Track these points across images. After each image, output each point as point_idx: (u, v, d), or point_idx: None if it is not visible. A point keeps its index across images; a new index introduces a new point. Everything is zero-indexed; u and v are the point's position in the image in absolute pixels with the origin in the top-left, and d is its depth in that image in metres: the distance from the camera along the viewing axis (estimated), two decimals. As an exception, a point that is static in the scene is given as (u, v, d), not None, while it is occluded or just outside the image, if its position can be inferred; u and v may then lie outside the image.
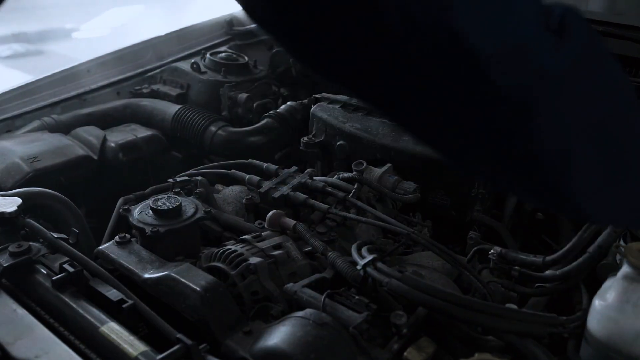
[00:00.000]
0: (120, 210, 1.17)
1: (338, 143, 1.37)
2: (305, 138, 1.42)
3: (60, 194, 1.19)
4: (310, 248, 1.05)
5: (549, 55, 0.53)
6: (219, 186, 1.40)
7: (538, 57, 0.52)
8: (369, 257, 0.91)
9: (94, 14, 8.32)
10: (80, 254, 0.96)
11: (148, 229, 1.06)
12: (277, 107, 1.67)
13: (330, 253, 0.99)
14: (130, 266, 1.01)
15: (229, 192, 1.33)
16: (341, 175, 1.24)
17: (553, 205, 0.69)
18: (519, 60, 0.52)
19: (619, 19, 1.40)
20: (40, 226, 1.02)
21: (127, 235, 1.08)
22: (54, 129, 1.54)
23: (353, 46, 0.53)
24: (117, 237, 1.08)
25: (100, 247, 1.08)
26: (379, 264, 0.90)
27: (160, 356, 0.76)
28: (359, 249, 0.97)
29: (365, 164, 1.24)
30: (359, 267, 0.91)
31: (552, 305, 1.02)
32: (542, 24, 0.53)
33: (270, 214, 1.10)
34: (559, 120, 0.55)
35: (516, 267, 0.98)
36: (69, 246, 0.98)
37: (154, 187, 1.34)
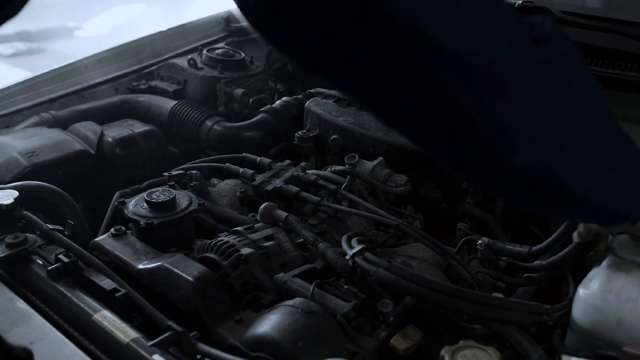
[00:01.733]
0: (116, 203, 1.19)
1: (332, 137, 1.38)
2: (300, 132, 1.43)
3: (57, 188, 1.21)
4: (301, 239, 1.07)
5: (526, 53, 0.59)
6: (214, 180, 1.42)
7: (516, 54, 0.58)
8: (358, 248, 0.93)
9: (96, 13, 8.35)
10: (75, 245, 0.98)
11: (142, 221, 1.08)
12: (273, 103, 1.68)
13: (320, 244, 1.00)
14: (125, 257, 1.03)
15: (224, 186, 1.35)
16: (334, 168, 1.26)
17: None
18: (498, 60, 0.57)
19: (617, 15, 1.40)
20: (36, 218, 1.04)
21: (123, 228, 1.11)
22: (52, 124, 1.56)
23: (340, 46, 0.58)
24: (112, 229, 1.10)
25: (96, 239, 1.10)
26: (367, 254, 0.92)
27: (151, 342, 0.78)
28: (348, 240, 0.99)
29: (357, 157, 1.26)
30: (347, 257, 0.93)
31: (542, 296, 1.04)
32: (522, 36, 0.59)
33: (262, 206, 1.12)
34: (525, 106, 0.59)
35: (504, 258, 0.99)
36: (64, 237, 1.00)
37: (150, 181, 1.36)
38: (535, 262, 0.99)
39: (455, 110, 0.58)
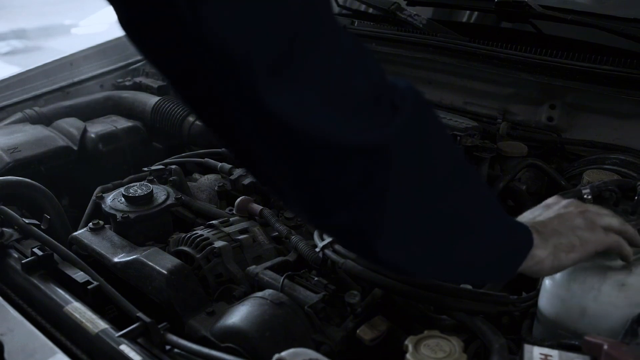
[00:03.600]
0: (95, 197, 1.21)
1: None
2: (281, 127, 1.44)
3: (37, 183, 1.22)
4: (277, 233, 1.08)
5: (378, 129, 0.53)
6: (196, 175, 1.43)
7: (367, 133, 0.52)
8: (328, 240, 0.94)
9: (93, 10, 8.35)
10: (50, 238, 0.99)
11: (119, 215, 1.10)
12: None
13: (293, 237, 1.02)
14: (102, 251, 1.05)
15: (204, 181, 1.36)
16: (311, 162, 1.27)
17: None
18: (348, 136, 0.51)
19: (606, 10, 1.41)
20: (12, 212, 1.05)
21: (101, 222, 1.12)
22: (35, 120, 1.57)
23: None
24: (90, 223, 1.11)
25: (74, 234, 1.11)
26: (337, 246, 0.93)
27: (120, 333, 0.79)
28: (320, 233, 1.00)
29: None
30: (317, 250, 0.94)
31: (518, 287, 1.05)
32: (376, 103, 0.53)
33: (238, 200, 1.13)
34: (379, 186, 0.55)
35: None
36: (39, 231, 1.01)
37: (132, 176, 1.37)
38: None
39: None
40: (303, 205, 0.59)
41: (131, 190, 1.14)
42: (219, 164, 1.31)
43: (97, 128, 1.55)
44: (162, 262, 0.97)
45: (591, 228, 0.75)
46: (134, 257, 1.00)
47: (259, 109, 0.48)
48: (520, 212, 1.09)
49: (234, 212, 1.14)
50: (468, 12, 1.66)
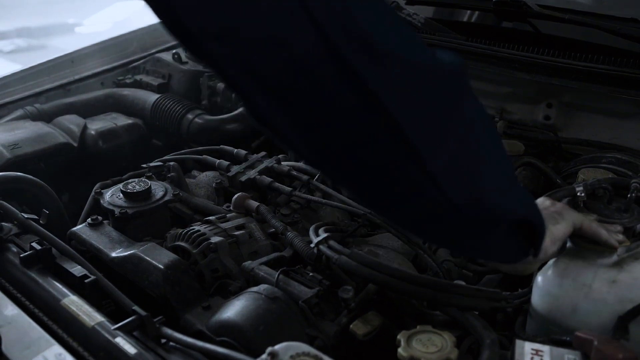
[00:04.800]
0: (94, 193, 1.22)
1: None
2: (279, 125, 1.45)
3: (36, 179, 1.23)
4: (273, 229, 1.09)
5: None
6: (195, 172, 1.44)
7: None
8: (323, 236, 0.95)
9: (97, 9, 8.37)
10: (48, 233, 1.00)
11: (117, 211, 1.11)
12: (256, 96, 1.70)
13: (288, 233, 1.03)
14: (100, 246, 1.06)
15: (203, 177, 1.38)
16: (308, 160, 1.28)
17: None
18: None
19: (603, 10, 1.41)
20: (12, 207, 1.06)
21: (99, 218, 1.13)
22: (36, 117, 1.58)
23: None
24: (89, 219, 1.12)
25: (73, 229, 1.12)
26: (332, 242, 0.94)
27: (115, 326, 0.80)
28: (316, 230, 1.01)
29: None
30: (312, 245, 0.95)
31: (515, 284, 1.05)
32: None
33: (235, 196, 1.14)
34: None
35: (469, 246, 1.01)
36: (38, 226, 1.02)
37: (131, 173, 1.38)
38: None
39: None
40: None
41: (129, 186, 1.15)
42: (217, 161, 1.32)
43: (97, 125, 1.56)
44: (159, 257, 0.97)
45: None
46: (131, 252, 1.01)
47: None
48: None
49: (231, 208, 1.15)
50: (466, 11, 1.67)
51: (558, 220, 0.81)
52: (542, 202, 0.86)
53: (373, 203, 0.72)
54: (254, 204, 1.12)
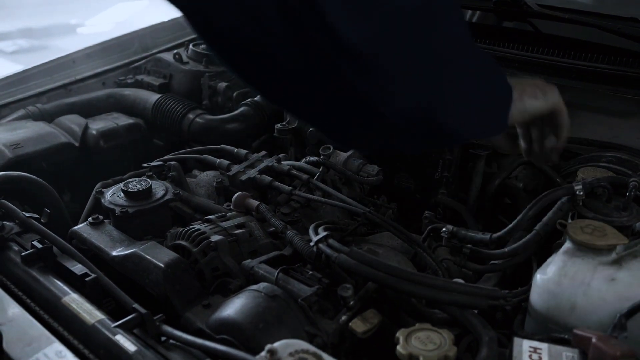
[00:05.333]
0: (94, 193, 1.22)
1: (310, 129, 1.40)
2: (279, 125, 1.45)
3: (38, 178, 1.24)
4: (273, 228, 1.09)
5: None
6: (196, 171, 1.45)
7: None
8: (322, 234, 0.95)
9: (99, 10, 8.39)
10: (49, 232, 1.01)
11: (118, 210, 1.11)
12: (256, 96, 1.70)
13: (288, 231, 1.03)
14: (100, 245, 1.06)
15: (204, 177, 1.38)
16: (308, 159, 1.28)
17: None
18: None
19: (603, 9, 1.42)
20: (13, 206, 1.07)
21: (100, 217, 1.13)
22: (37, 117, 1.59)
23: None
24: (90, 218, 1.13)
25: (74, 228, 1.13)
26: (331, 241, 0.94)
27: (116, 324, 0.81)
28: (316, 228, 1.01)
29: (332, 148, 1.28)
30: (312, 244, 0.95)
31: (513, 283, 1.06)
32: None
33: (235, 195, 1.14)
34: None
35: (468, 245, 1.01)
36: (39, 225, 1.03)
37: (132, 172, 1.39)
38: (500, 250, 1.01)
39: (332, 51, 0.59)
40: None
41: (130, 186, 1.15)
42: (218, 161, 1.32)
43: (98, 125, 1.57)
44: (159, 256, 0.98)
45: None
46: (132, 250, 1.01)
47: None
48: (517, 210, 1.11)
49: (231, 207, 1.16)
50: (467, 11, 1.67)
51: (537, 96, 0.85)
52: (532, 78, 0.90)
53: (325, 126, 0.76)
54: (254, 203, 1.12)
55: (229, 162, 1.30)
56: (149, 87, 1.82)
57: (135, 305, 0.83)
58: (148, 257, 0.98)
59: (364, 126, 0.69)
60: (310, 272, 0.93)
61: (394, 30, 0.61)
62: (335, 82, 0.63)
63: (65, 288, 0.90)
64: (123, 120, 1.62)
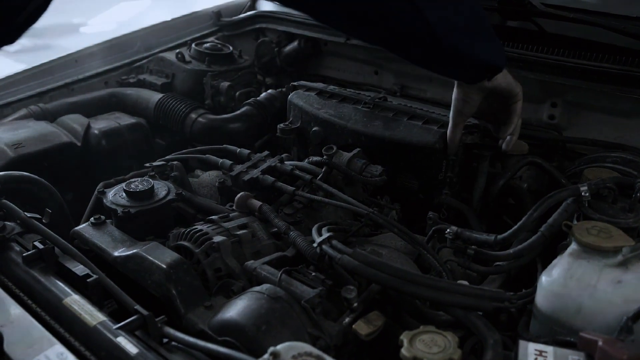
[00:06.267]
0: (96, 193, 1.22)
1: (313, 129, 1.40)
2: (282, 124, 1.45)
3: (39, 178, 1.23)
4: (276, 229, 1.08)
5: None
6: (198, 171, 1.44)
7: None
8: (326, 236, 0.95)
9: (102, 9, 8.39)
10: (51, 232, 1.00)
11: (120, 210, 1.11)
12: (259, 96, 1.70)
13: (291, 232, 1.02)
14: (102, 245, 1.06)
15: (206, 177, 1.38)
16: (311, 159, 1.28)
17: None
18: None
19: (608, 9, 1.41)
20: (15, 206, 1.06)
21: (102, 217, 1.13)
22: (39, 117, 1.59)
23: None
24: (92, 218, 1.12)
25: (76, 228, 1.12)
26: (334, 242, 0.93)
27: (118, 325, 0.80)
28: (319, 229, 1.01)
29: (335, 148, 1.27)
30: (315, 245, 0.95)
31: (518, 284, 1.05)
32: None
33: (238, 196, 1.13)
34: None
35: (472, 247, 1.00)
36: (41, 225, 1.02)
37: (134, 172, 1.38)
38: (505, 251, 1.00)
39: None
40: None
41: (132, 186, 1.15)
42: (220, 161, 1.32)
43: (100, 124, 1.56)
44: (161, 257, 0.97)
45: None
46: (134, 251, 1.00)
47: None
48: (521, 210, 1.10)
49: (233, 207, 1.15)
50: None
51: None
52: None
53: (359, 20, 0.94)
54: (257, 203, 1.12)
55: (231, 162, 1.29)
56: (151, 86, 1.82)
57: (137, 307, 0.82)
58: (150, 257, 0.97)
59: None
60: (313, 274, 0.93)
61: None
62: None
63: (67, 289, 0.89)
64: (125, 119, 1.61)
